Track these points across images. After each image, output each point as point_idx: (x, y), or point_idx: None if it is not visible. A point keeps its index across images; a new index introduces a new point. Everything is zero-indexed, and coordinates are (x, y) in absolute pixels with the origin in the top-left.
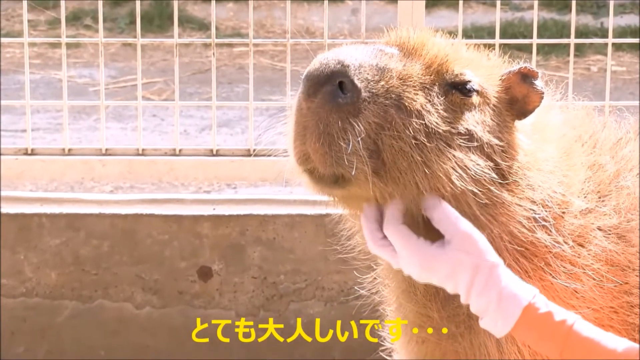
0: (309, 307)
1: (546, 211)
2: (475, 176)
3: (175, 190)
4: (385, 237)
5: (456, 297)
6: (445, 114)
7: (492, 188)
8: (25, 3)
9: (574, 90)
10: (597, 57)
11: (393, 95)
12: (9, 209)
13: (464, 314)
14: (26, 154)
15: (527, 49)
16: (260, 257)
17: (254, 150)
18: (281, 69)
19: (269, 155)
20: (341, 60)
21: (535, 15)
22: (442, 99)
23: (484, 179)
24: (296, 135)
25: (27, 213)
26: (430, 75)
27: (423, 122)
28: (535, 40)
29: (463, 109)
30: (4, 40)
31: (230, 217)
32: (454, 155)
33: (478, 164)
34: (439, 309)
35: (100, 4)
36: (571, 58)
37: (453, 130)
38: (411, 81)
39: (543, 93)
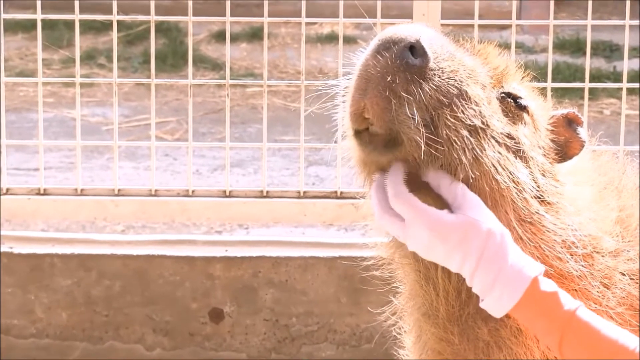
0: (321, 350)
1: (578, 244)
2: (517, 180)
3: (188, 230)
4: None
5: (478, 321)
6: (499, 115)
7: (531, 201)
8: (39, 42)
9: (589, 134)
10: (610, 100)
11: (456, 78)
12: (20, 249)
13: (484, 341)
14: (38, 193)
15: (540, 91)
16: (272, 299)
17: (267, 191)
18: (294, 109)
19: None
20: (415, 30)
21: (550, 59)
22: (497, 102)
23: (525, 188)
24: (357, 88)
25: (39, 253)
26: (491, 79)
27: (480, 111)
28: (549, 84)
29: (515, 119)
30: (18, 79)
31: (242, 259)
32: (503, 153)
33: (522, 171)
34: (460, 332)
35: (114, 43)
36: (585, 102)
37: (504, 132)
38: (474, 75)
39: (585, 142)
